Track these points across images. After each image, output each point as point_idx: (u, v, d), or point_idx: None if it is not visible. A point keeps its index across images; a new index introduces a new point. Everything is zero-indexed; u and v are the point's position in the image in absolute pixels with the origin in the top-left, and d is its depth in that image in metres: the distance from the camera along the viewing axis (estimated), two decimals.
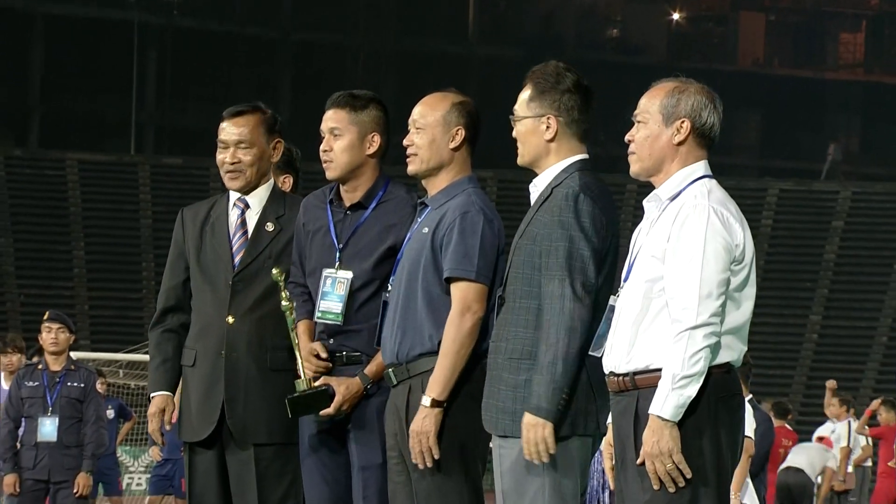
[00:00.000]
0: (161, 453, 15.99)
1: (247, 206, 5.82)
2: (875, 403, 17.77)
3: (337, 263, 5.52)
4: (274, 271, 5.53)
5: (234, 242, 5.78)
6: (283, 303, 5.53)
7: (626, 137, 4.80)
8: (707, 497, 4.57)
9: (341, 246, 5.53)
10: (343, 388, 5.43)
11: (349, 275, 5.51)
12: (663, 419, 4.52)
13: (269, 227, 5.77)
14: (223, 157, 5.78)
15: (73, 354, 11.39)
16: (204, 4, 44.64)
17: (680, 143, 4.71)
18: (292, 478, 5.67)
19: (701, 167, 4.74)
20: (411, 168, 5.42)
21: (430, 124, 5.39)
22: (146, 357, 26.73)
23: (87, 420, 10.66)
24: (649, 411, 4.55)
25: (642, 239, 4.75)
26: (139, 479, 24.41)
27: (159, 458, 16.12)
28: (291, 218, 5.73)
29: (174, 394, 5.81)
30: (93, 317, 35.27)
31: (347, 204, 5.56)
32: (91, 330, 34.41)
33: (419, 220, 5.40)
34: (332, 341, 5.53)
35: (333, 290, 5.50)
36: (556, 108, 5.07)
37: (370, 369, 5.46)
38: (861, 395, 32.13)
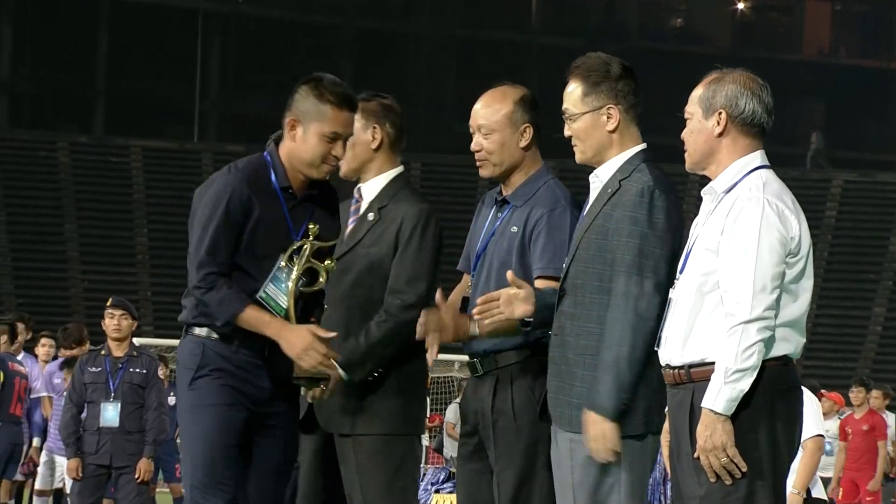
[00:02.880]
0: None
1: (361, 196, 5.73)
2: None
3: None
4: (311, 226, 5.27)
5: (346, 230, 5.69)
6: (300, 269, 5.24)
7: (683, 135, 4.79)
8: (763, 490, 4.55)
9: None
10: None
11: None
12: (716, 413, 4.50)
13: (371, 217, 5.62)
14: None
15: (136, 341, 11.48)
16: None
17: (721, 135, 4.67)
18: (395, 470, 5.52)
19: (757, 157, 4.70)
20: (484, 172, 5.37)
21: (498, 127, 5.32)
22: None
23: (148, 406, 10.74)
24: (702, 405, 4.53)
25: (698, 231, 4.73)
26: None
27: None
28: (393, 210, 5.55)
29: None
30: (155, 303, 35.50)
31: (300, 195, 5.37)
32: (154, 316, 34.65)
33: (501, 216, 5.34)
34: None
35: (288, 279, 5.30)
36: (613, 96, 5.04)
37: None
38: None
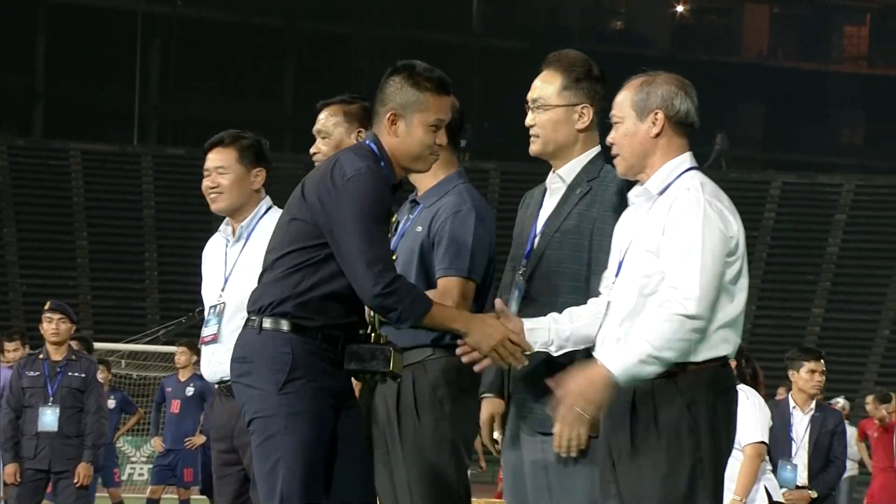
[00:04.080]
0: (163, 444, 16.00)
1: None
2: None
3: None
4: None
5: None
6: None
7: (608, 140, 4.79)
8: (704, 490, 4.56)
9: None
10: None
11: None
12: (611, 375, 4.47)
13: None
14: (316, 147, 5.62)
15: (74, 344, 11.38)
16: None
17: (658, 135, 4.70)
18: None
19: (687, 159, 4.73)
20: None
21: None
22: (148, 347, 26.32)
23: (87, 410, 10.65)
24: (603, 362, 4.50)
25: (631, 233, 4.72)
26: (141, 469, 24.41)
27: (161, 448, 16.12)
28: None
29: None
30: (95, 307, 35.27)
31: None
32: (94, 320, 34.42)
33: (411, 217, 5.36)
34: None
35: None
36: (590, 96, 5.00)
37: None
38: (863, 389, 32.07)
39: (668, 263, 4.57)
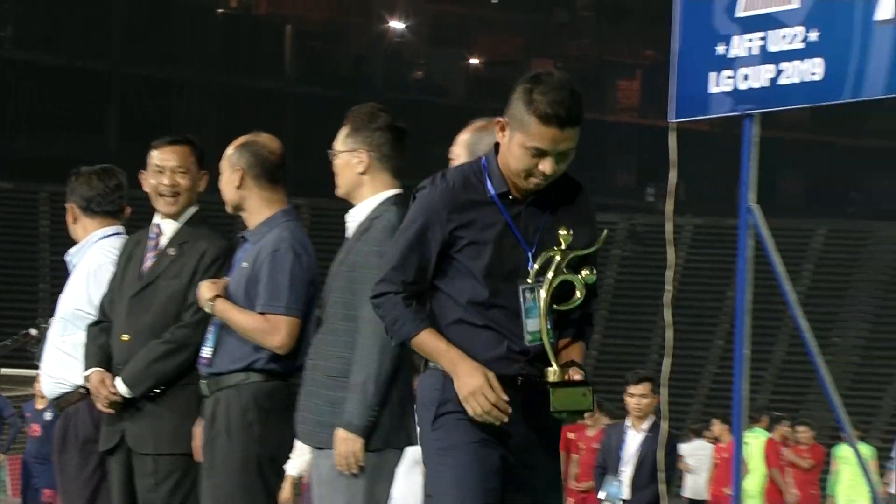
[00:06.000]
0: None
1: (160, 231, 5.68)
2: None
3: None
4: (562, 232, 4.07)
5: (144, 263, 5.65)
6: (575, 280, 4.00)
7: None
8: None
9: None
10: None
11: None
12: None
13: (172, 252, 5.61)
14: (158, 181, 5.62)
15: None
16: (35, 38, 43.68)
17: None
18: (188, 491, 5.48)
19: None
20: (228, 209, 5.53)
21: (223, 167, 5.46)
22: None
23: None
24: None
25: None
26: None
27: None
28: (194, 247, 5.55)
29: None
30: None
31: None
32: None
33: (241, 254, 5.41)
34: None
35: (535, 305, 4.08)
36: (367, 143, 5.10)
37: None
38: (689, 418, 32.81)
39: None
